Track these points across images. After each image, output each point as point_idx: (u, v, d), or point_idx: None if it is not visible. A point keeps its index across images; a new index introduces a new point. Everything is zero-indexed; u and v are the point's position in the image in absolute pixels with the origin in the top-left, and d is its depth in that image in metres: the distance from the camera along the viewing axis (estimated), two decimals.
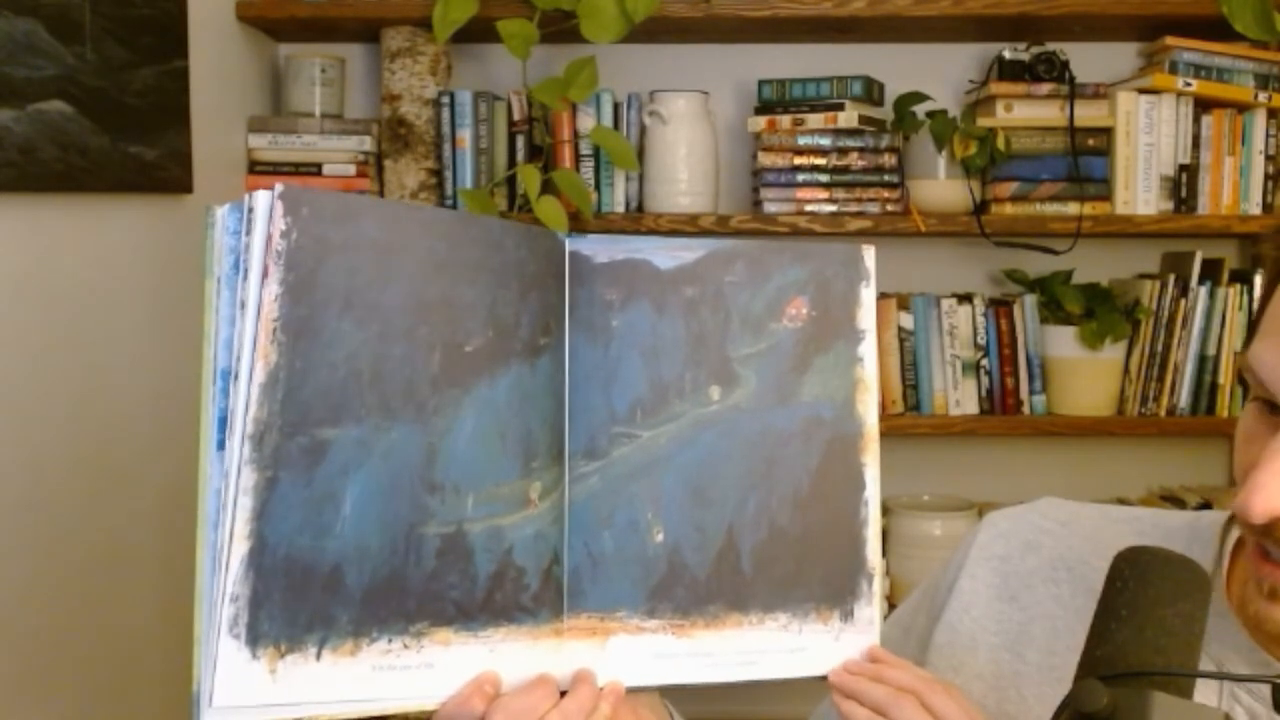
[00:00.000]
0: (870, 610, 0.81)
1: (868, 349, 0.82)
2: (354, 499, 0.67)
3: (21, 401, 1.58)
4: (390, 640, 0.69)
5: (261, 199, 0.65)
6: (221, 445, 0.65)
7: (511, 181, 2.28)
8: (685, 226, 2.26)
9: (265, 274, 0.64)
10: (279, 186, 0.65)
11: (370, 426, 0.68)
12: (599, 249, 0.78)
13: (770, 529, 0.79)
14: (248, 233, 0.65)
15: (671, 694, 0.84)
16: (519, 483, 0.73)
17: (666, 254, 0.79)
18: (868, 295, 0.82)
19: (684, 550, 0.77)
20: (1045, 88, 2.23)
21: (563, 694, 0.74)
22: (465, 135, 2.27)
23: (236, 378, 0.65)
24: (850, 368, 0.81)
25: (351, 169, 2.30)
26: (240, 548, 0.64)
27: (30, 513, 1.60)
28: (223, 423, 0.65)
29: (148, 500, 1.90)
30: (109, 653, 1.80)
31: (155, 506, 1.92)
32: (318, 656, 0.66)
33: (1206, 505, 2.28)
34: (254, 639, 0.64)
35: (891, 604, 2.35)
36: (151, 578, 1.91)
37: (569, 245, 0.77)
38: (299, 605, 0.66)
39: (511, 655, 0.73)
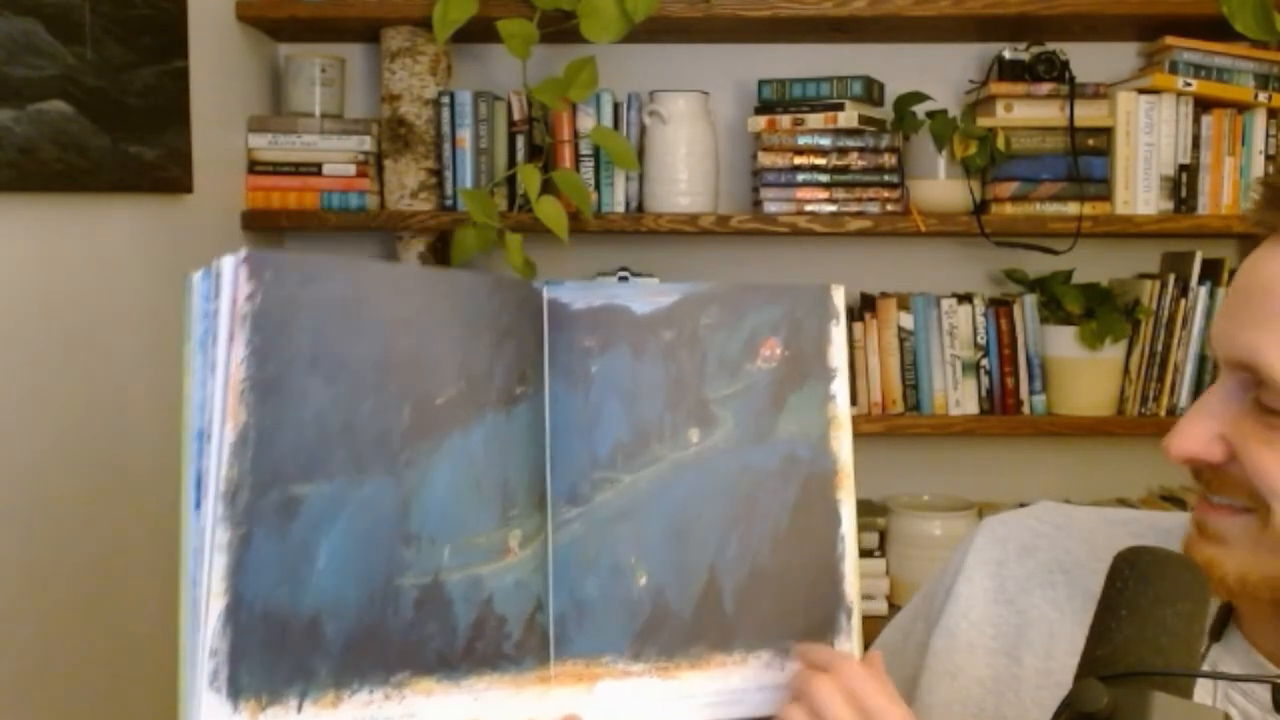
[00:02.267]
0: (850, 644, 0.83)
1: (840, 386, 0.84)
2: (329, 553, 0.68)
3: (21, 401, 1.58)
4: (371, 691, 0.69)
5: (227, 264, 0.66)
6: (199, 504, 0.66)
7: (511, 181, 2.28)
8: (685, 226, 2.26)
9: (231, 337, 0.66)
10: (243, 251, 0.66)
11: (342, 482, 0.69)
12: (576, 296, 0.79)
13: (751, 568, 0.80)
14: (215, 297, 0.66)
15: None
16: (497, 531, 0.74)
17: (643, 299, 0.80)
18: (838, 334, 0.84)
19: (668, 592, 0.79)
20: (1045, 88, 2.23)
21: None
22: (465, 135, 2.27)
23: (209, 438, 0.66)
24: (824, 405, 0.83)
25: (351, 169, 2.30)
26: (218, 603, 0.65)
27: (29, 513, 1.60)
28: (199, 482, 0.66)
29: (148, 500, 1.90)
30: (109, 653, 1.80)
31: (155, 506, 1.92)
32: (299, 709, 0.67)
33: None
34: (235, 692, 0.65)
35: (892, 604, 2.35)
36: (152, 578, 1.91)
37: (546, 293, 0.78)
38: (278, 658, 0.67)
39: (496, 703, 0.73)
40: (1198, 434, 0.75)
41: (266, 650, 0.66)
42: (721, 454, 0.80)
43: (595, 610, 0.77)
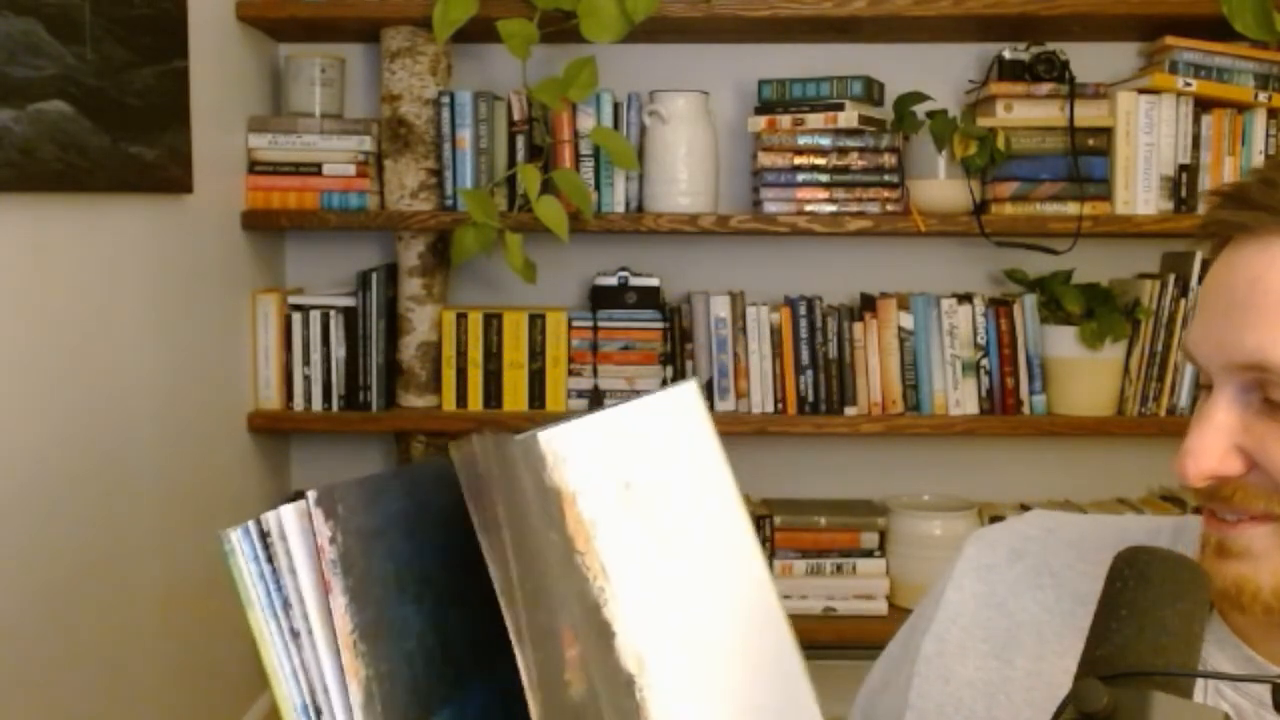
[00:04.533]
0: None
1: None
2: None
3: (21, 401, 1.58)
4: None
5: (290, 514, 0.60)
6: None
7: (511, 181, 2.28)
8: (685, 226, 2.26)
9: (327, 589, 0.60)
10: (312, 494, 0.61)
11: (456, 704, 0.66)
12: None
13: None
14: (278, 554, 0.60)
15: None
16: None
17: None
18: None
19: None
20: (1045, 88, 2.23)
21: None
22: (465, 135, 2.27)
23: (321, 711, 0.60)
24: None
25: (351, 169, 2.30)
26: None
27: (30, 512, 1.60)
28: None
29: (148, 500, 1.90)
30: (110, 647, 1.80)
31: (156, 506, 1.92)
32: None
33: None
34: None
35: (892, 604, 2.35)
36: (152, 577, 1.91)
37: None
38: None
39: None
40: (1211, 450, 0.72)
41: None
42: None
43: None
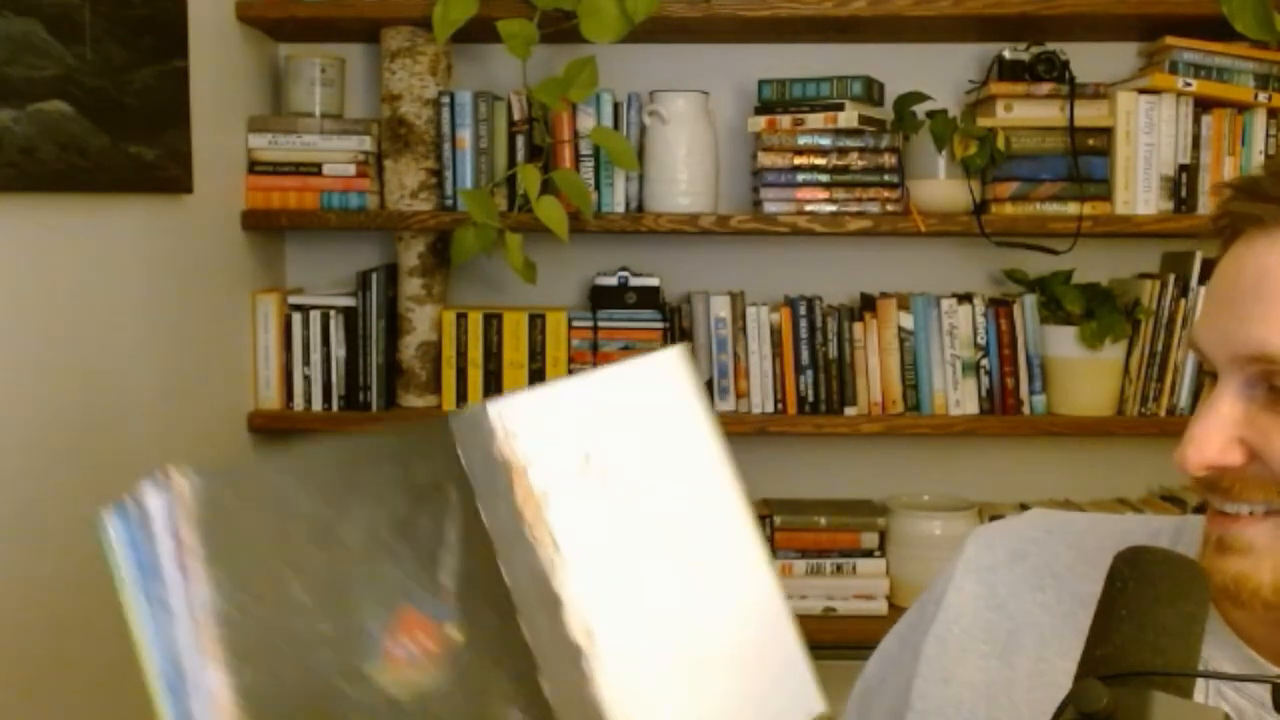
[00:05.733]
0: None
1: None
2: None
3: (21, 401, 1.58)
4: None
5: (153, 498, 0.63)
6: None
7: (511, 181, 2.28)
8: (685, 226, 2.26)
9: (184, 570, 0.62)
10: (161, 479, 0.62)
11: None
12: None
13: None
14: (149, 533, 0.63)
15: None
16: None
17: None
18: None
19: None
20: (1045, 88, 2.23)
21: None
22: (465, 135, 2.27)
23: (182, 678, 0.62)
24: None
25: (351, 169, 2.30)
26: None
27: (29, 512, 1.60)
28: None
29: None
30: (110, 649, 1.80)
31: None
32: None
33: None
34: None
35: (892, 604, 2.35)
36: None
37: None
38: None
39: None
40: (1212, 440, 0.73)
41: None
42: None
43: None
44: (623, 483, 0.78)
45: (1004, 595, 0.90)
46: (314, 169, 2.30)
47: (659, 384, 0.82)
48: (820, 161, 2.27)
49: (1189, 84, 2.21)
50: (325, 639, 0.65)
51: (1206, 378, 0.77)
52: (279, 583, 0.64)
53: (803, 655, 0.81)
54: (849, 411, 2.30)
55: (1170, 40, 2.21)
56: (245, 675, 0.62)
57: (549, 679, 0.71)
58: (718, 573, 0.81)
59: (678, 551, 0.79)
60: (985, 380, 2.31)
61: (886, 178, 2.27)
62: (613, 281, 2.35)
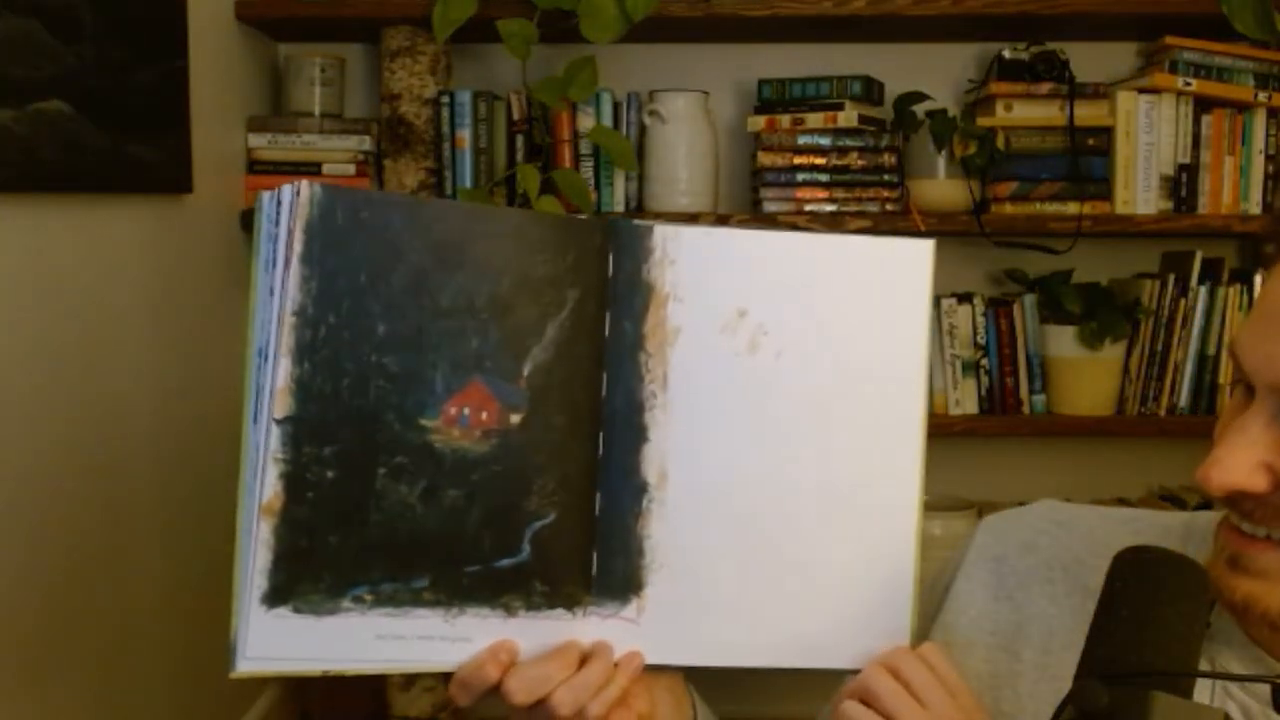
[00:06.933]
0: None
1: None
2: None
3: (21, 401, 1.58)
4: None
5: (286, 193, 0.68)
6: (256, 418, 0.69)
7: (511, 181, 2.28)
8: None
9: (287, 264, 0.68)
10: (302, 185, 0.68)
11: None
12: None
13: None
14: (277, 223, 0.69)
15: (696, 678, 0.83)
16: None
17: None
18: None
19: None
20: (1045, 87, 2.23)
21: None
22: (465, 135, 2.27)
23: (266, 357, 0.69)
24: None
25: (351, 168, 2.30)
26: (269, 512, 0.69)
27: (30, 512, 1.60)
28: (257, 396, 0.69)
29: (147, 499, 1.90)
30: (110, 648, 1.80)
31: (155, 505, 1.92)
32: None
33: (1206, 505, 2.27)
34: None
35: None
36: (151, 576, 1.91)
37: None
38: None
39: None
40: (1240, 464, 0.70)
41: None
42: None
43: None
44: (775, 352, 0.76)
45: (1012, 586, 0.90)
46: (314, 168, 2.30)
47: (892, 271, 0.78)
48: (820, 161, 2.26)
49: (1189, 84, 2.21)
50: (389, 374, 0.71)
51: (1239, 386, 0.75)
52: (361, 309, 0.70)
53: (911, 582, 0.81)
54: None
55: (1170, 40, 2.21)
56: (304, 369, 0.69)
57: (600, 496, 0.74)
58: (857, 478, 0.80)
59: (810, 436, 0.77)
60: (985, 380, 2.31)
61: (886, 177, 2.27)
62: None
